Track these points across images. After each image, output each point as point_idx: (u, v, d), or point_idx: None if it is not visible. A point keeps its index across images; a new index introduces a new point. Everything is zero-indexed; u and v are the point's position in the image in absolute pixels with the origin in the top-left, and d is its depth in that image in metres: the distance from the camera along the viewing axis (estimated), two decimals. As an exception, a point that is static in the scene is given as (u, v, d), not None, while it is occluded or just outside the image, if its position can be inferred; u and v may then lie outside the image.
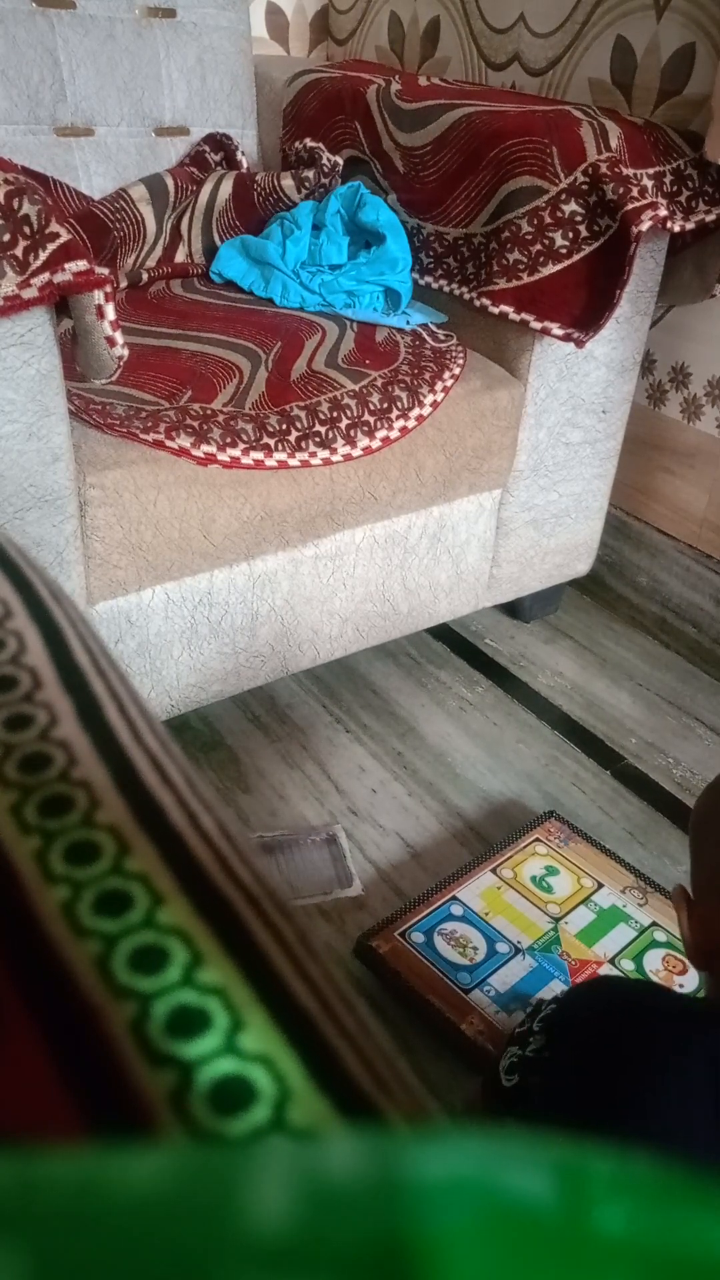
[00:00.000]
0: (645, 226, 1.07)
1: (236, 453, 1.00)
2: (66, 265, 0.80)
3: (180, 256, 1.39)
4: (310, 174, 1.36)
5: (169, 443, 0.96)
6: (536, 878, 1.07)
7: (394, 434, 1.10)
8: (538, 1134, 0.14)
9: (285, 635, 1.17)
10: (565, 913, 1.03)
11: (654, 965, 0.99)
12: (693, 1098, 0.57)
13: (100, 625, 1.02)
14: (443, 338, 1.25)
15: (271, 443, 1.02)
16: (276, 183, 1.37)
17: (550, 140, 1.12)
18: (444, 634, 1.50)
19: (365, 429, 1.08)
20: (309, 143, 1.39)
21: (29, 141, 1.31)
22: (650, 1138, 0.56)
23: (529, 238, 1.14)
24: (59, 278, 0.80)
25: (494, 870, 1.07)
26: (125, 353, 0.91)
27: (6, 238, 0.76)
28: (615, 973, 0.97)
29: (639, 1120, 0.57)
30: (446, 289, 1.29)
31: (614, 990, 0.72)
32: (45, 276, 0.79)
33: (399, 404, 1.11)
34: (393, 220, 1.29)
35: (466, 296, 1.25)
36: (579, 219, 1.11)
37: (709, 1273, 0.12)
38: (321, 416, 1.06)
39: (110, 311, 0.85)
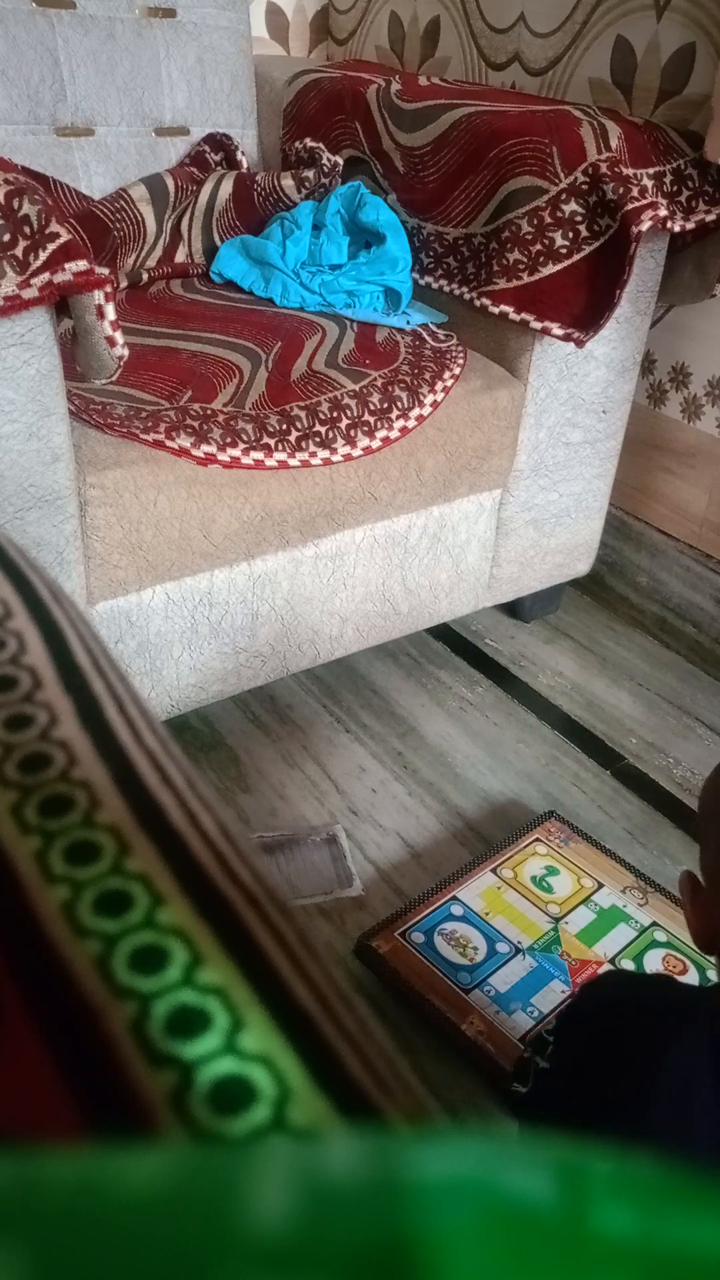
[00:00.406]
0: (645, 226, 1.07)
1: (236, 453, 1.00)
2: (66, 265, 0.80)
3: (180, 256, 1.39)
4: (310, 174, 1.36)
5: (169, 443, 0.96)
6: (536, 878, 1.07)
7: (394, 434, 1.10)
8: (538, 1134, 0.14)
9: (285, 635, 1.17)
10: (565, 913, 1.03)
11: (654, 965, 0.99)
12: (695, 1096, 0.57)
13: (100, 625, 1.02)
14: (443, 338, 1.25)
15: (271, 443, 1.02)
16: (276, 183, 1.37)
17: (550, 140, 1.12)
18: (444, 634, 1.50)
19: (365, 429, 1.08)
20: (309, 143, 1.39)
21: (29, 141, 1.31)
22: (649, 1137, 0.56)
23: (529, 238, 1.14)
24: (59, 278, 0.80)
25: (494, 870, 1.07)
26: (125, 353, 0.91)
27: (6, 238, 0.76)
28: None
29: (635, 1120, 0.57)
30: (446, 289, 1.29)
31: (617, 986, 0.72)
32: (45, 276, 0.79)
33: (399, 404, 1.11)
34: (393, 220, 1.29)
35: (466, 296, 1.25)
36: (579, 219, 1.11)
37: (709, 1273, 0.12)
38: (321, 416, 1.06)
39: (110, 311, 0.85)
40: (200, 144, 1.44)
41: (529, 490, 1.31)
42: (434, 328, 1.27)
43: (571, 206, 1.11)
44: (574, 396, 1.27)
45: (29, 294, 0.79)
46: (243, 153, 1.46)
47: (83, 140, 1.35)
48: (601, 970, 0.97)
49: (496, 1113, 0.87)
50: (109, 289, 0.84)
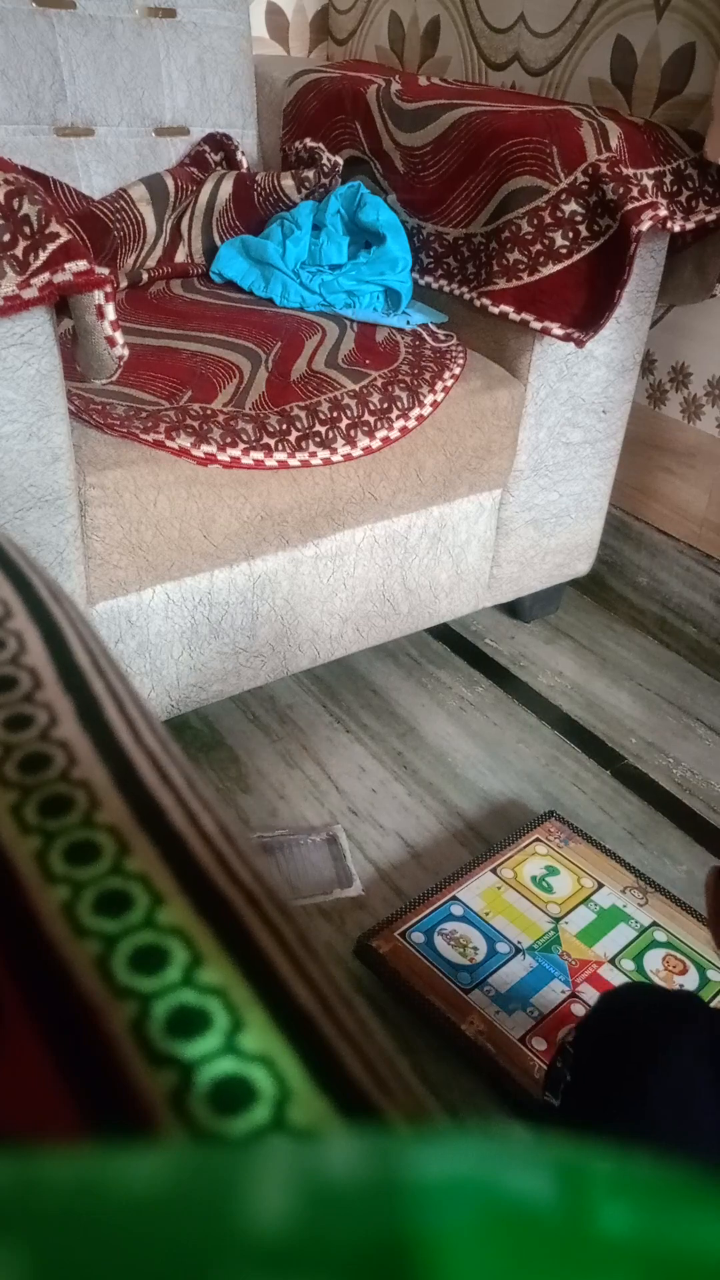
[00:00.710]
0: (645, 226, 1.07)
1: (236, 453, 1.00)
2: (66, 265, 0.80)
3: (180, 256, 1.39)
4: (310, 174, 1.36)
5: (169, 443, 0.96)
6: (536, 878, 1.07)
7: (394, 434, 1.10)
8: (540, 1135, 0.14)
9: (285, 635, 1.17)
10: (565, 913, 1.03)
11: (654, 965, 0.99)
12: (695, 1096, 0.57)
13: (100, 625, 1.02)
14: (443, 338, 1.25)
15: (271, 443, 1.02)
16: (276, 183, 1.37)
17: (550, 140, 1.12)
18: (444, 634, 1.50)
19: (365, 429, 1.08)
20: (309, 143, 1.39)
21: (29, 141, 1.31)
22: (649, 1137, 0.56)
23: (529, 238, 1.14)
24: (59, 278, 0.80)
25: (494, 870, 1.07)
26: (125, 353, 0.91)
27: (6, 238, 0.76)
28: (615, 973, 0.97)
29: (636, 1120, 0.57)
30: (446, 289, 1.29)
31: (623, 993, 0.72)
32: (45, 276, 0.79)
33: (399, 404, 1.11)
34: (393, 220, 1.29)
35: (466, 296, 1.25)
36: (579, 219, 1.11)
37: (709, 1273, 0.12)
38: (321, 416, 1.06)
39: (110, 311, 0.85)
40: (200, 144, 1.44)
41: (529, 490, 1.31)
42: (434, 328, 1.27)
43: (571, 206, 1.11)
44: (574, 396, 1.27)
45: (29, 294, 0.79)
46: (243, 153, 1.46)
47: (83, 140, 1.35)
48: (601, 970, 0.97)
49: (496, 1113, 0.87)
50: (109, 289, 0.84)
